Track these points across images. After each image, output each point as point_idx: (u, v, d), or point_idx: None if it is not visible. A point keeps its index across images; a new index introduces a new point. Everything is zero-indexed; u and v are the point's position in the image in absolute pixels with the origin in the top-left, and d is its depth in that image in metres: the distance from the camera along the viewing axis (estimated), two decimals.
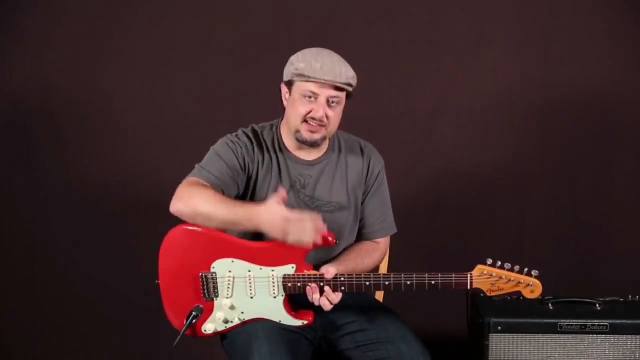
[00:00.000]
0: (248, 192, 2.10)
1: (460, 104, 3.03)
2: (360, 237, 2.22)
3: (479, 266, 1.95)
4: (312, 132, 2.03)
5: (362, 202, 2.19)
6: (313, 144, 2.06)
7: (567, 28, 2.98)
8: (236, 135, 2.11)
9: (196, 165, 2.07)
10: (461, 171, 3.06)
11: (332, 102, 2.02)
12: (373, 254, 2.18)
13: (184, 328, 1.95)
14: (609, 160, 3.04)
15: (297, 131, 2.05)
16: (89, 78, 3.01)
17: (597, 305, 2.40)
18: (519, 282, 1.94)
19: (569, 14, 2.97)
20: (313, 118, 2.01)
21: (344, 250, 2.16)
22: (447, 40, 3.00)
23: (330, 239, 1.94)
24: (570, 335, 2.32)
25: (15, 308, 3.09)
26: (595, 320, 2.32)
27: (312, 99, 2.01)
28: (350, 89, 2.05)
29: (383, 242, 2.24)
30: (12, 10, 2.98)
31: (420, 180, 3.06)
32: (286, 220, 1.85)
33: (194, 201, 1.91)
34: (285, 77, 2.07)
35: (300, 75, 2.00)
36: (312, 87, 2.00)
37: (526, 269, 1.95)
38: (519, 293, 1.97)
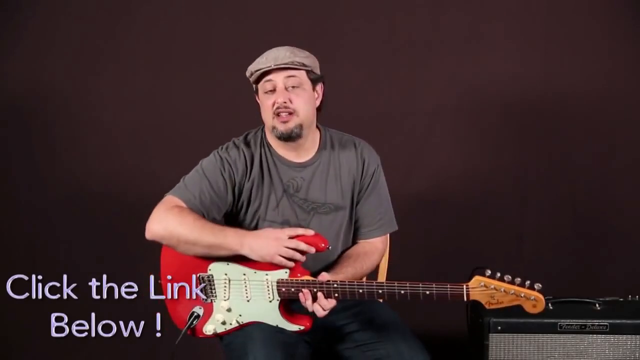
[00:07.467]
0: (242, 205, 2.10)
1: (459, 105, 3.03)
2: (359, 236, 2.19)
3: (477, 277, 1.84)
4: (284, 122, 2.03)
5: (359, 202, 2.16)
6: (291, 135, 2.04)
7: (567, 28, 2.98)
8: (226, 149, 2.11)
9: (182, 178, 2.07)
10: (461, 171, 3.06)
11: (292, 86, 2.03)
12: (372, 256, 2.15)
13: (184, 328, 1.98)
14: (608, 160, 3.04)
15: (274, 128, 2.05)
16: (88, 79, 3.01)
17: (597, 305, 2.40)
18: (519, 296, 1.83)
19: (569, 14, 2.97)
20: (278, 107, 2.02)
21: (342, 254, 2.14)
22: (447, 40, 3.00)
23: (322, 245, 1.94)
24: (570, 335, 2.32)
25: (15, 308, 3.08)
26: (595, 320, 2.32)
27: (273, 91, 2.04)
28: (303, 67, 2.04)
29: (381, 242, 2.20)
30: (12, 10, 2.98)
31: (419, 181, 3.06)
32: (277, 241, 1.91)
33: (177, 228, 1.94)
34: (254, 89, 2.11)
35: (252, 75, 2.05)
36: (266, 78, 2.03)
37: (528, 282, 1.83)
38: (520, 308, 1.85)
